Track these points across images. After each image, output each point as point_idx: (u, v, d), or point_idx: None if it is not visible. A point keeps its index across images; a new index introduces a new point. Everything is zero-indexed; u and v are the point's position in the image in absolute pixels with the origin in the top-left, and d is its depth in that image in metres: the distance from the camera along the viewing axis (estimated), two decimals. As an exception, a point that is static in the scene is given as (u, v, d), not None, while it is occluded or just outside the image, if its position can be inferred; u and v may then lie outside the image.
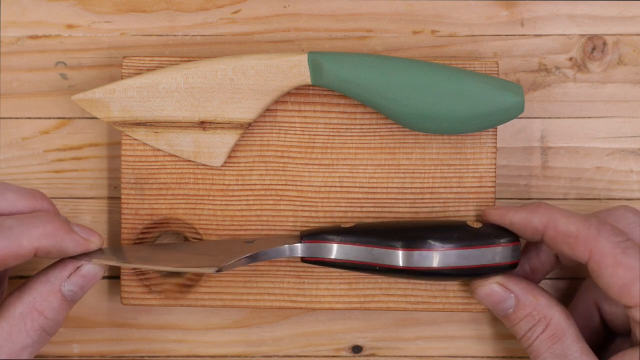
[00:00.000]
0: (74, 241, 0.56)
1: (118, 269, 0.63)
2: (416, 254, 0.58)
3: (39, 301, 0.56)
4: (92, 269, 0.57)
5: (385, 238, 0.59)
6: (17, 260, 0.55)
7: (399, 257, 0.58)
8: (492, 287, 0.59)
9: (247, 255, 0.57)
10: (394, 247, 0.58)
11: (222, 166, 0.62)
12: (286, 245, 0.59)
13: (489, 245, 0.59)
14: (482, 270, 0.59)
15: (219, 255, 0.58)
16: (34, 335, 0.56)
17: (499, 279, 0.59)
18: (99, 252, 0.58)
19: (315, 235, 0.60)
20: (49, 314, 0.57)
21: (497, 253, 0.59)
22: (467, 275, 0.59)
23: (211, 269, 0.56)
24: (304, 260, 0.60)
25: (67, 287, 0.57)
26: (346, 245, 0.59)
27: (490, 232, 0.59)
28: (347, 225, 0.60)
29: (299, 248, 0.59)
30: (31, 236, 0.55)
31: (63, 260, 0.57)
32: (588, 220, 0.57)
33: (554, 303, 0.59)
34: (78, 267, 0.57)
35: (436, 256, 0.58)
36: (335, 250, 0.59)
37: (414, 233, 0.59)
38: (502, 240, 0.59)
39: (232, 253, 0.58)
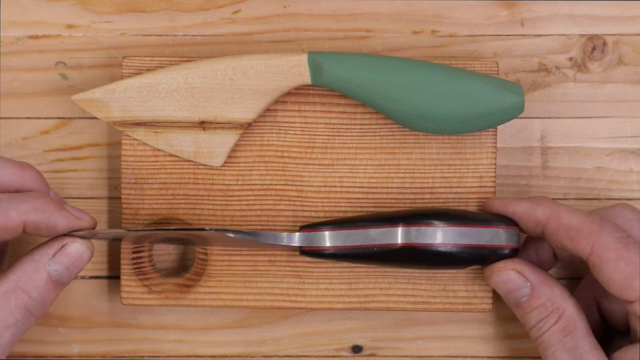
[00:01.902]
0: (64, 217, 0.56)
1: (118, 269, 0.63)
2: (414, 230, 0.58)
3: (23, 280, 0.56)
4: (77, 248, 0.56)
5: (383, 220, 0.59)
6: (5, 234, 0.54)
7: (398, 234, 0.58)
8: (509, 274, 0.59)
9: (246, 232, 0.58)
10: (392, 225, 0.59)
11: (222, 166, 0.62)
12: (284, 233, 0.59)
13: (487, 225, 0.59)
14: (481, 251, 0.59)
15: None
16: (18, 315, 0.55)
17: (516, 265, 0.59)
18: (91, 232, 0.57)
19: (313, 225, 0.60)
20: (33, 293, 0.56)
21: (496, 234, 0.59)
22: (467, 258, 0.59)
23: (207, 231, 0.55)
24: (303, 251, 0.60)
25: (52, 266, 0.56)
26: (343, 231, 0.59)
27: (489, 216, 0.59)
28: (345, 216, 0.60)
29: (297, 237, 0.59)
30: (20, 209, 0.54)
31: (50, 239, 0.57)
32: (590, 215, 0.57)
33: (568, 295, 0.59)
34: (63, 246, 0.56)
35: (435, 232, 0.58)
36: (333, 236, 0.59)
37: (412, 213, 0.59)
38: (501, 223, 0.59)
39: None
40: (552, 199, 0.63)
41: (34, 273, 0.56)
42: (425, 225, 0.58)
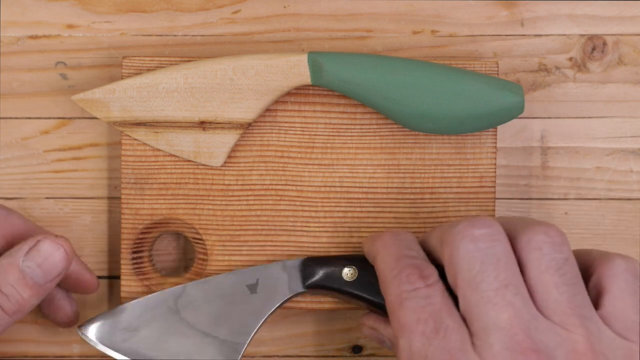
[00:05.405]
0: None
1: (118, 269, 0.63)
2: None
3: None
4: (50, 247, 0.57)
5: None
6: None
7: None
8: (367, 330, 0.60)
9: (256, 330, 0.59)
10: None
11: (222, 166, 0.62)
12: (293, 296, 0.60)
13: None
14: None
15: (224, 331, 0.59)
16: None
17: (370, 322, 0.60)
18: (89, 321, 0.59)
19: (319, 286, 0.60)
20: (4, 287, 0.56)
21: None
22: None
23: None
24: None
25: (25, 262, 0.56)
26: (349, 297, 0.59)
27: None
28: (349, 279, 0.59)
29: (304, 293, 0.60)
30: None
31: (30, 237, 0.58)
32: (398, 261, 0.56)
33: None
34: (37, 242, 0.57)
35: None
36: (339, 298, 0.60)
37: None
38: None
39: (238, 323, 0.59)
40: (551, 201, 0.63)
41: (7, 267, 0.56)
42: None
